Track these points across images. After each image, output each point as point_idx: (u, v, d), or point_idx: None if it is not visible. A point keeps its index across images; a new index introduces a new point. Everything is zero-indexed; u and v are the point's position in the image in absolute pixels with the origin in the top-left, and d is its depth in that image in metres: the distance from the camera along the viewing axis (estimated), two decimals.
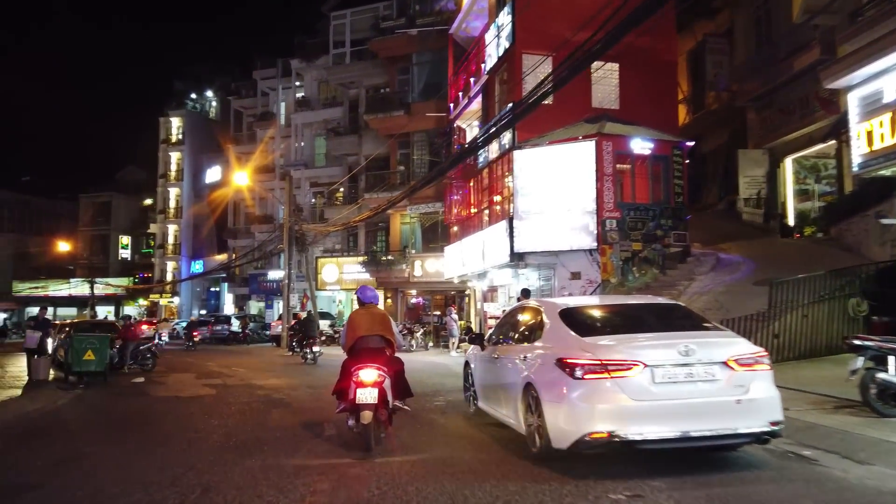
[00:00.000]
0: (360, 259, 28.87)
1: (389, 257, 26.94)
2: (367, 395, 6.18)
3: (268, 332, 31.55)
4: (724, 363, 5.12)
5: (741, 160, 19.02)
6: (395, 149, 28.50)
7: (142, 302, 55.69)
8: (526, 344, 6.45)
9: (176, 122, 53.08)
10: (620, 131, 16.53)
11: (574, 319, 5.91)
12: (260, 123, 40.02)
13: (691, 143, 17.88)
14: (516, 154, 16.99)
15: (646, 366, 5.02)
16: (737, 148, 19.53)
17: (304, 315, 27.22)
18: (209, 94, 55.14)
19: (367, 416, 6.18)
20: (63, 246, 55.67)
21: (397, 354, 7.00)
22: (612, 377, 5.01)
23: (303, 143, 36.35)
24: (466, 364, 8.63)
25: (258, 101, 42.25)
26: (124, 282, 54.87)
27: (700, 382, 5.08)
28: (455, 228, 23.71)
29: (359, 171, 29.50)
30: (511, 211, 17.17)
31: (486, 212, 19.98)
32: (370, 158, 28.06)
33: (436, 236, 27.24)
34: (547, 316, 6.21)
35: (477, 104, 21.40)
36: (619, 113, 17.59)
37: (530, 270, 18.03)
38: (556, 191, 16.45)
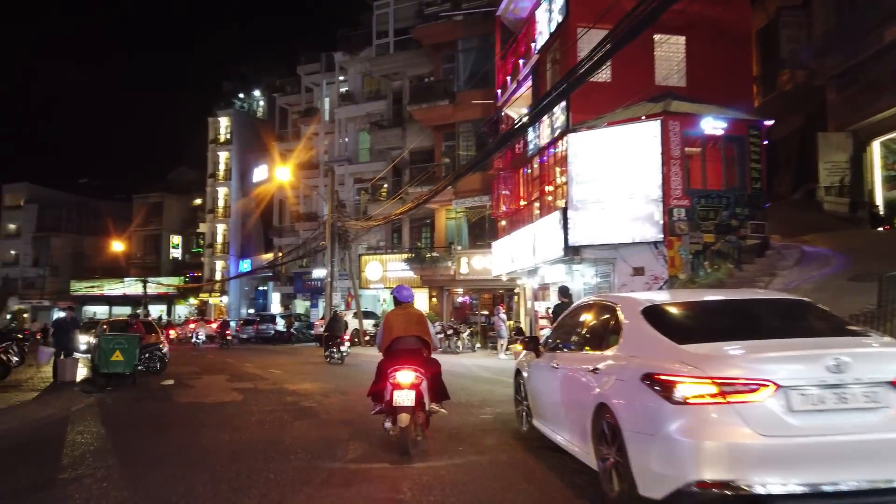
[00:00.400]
0: (405, 256, 27.71)
1: (434, 254, 25.69)
2: (404, 398, 6.04)
3: (311, 332, 30.77)
4: (894, 383, 3.59)
5: (821, 145, 16.94)
6: (439, 141, 27.24)
7: (192, 301, 56.22)
8: (596, 352, 5.01)
9: (224, 122, 53.29)
10: (689, 109, 14.79)
11: (664, 320, 4.44)
12: (304, 119, 39.45)
13: (770, 123, 15.93)
14: (571, 138, 15.44)
15: (778, 386, 3.53)
16: (813, 132, 17.45)
17: (346, 314, 26.31)
18: (256, 93, 55.20)
19: (404, 418, 6.01)
20: (117, 246, 56.75)
21: (433, 355, 6.82)
22: (728, 402, 3.53)
23: (346, 139, 35.51)
24: (518, 373, 7.23)
25: (302, 98, 41.72)
26: (175, 281, 55.49)
27: (859, 411, 3.56)
28: (503, 223, 22.28)
29: (403, 165, 28.39)
30: (565, 201, 15.64)
31: (537, 203, 18.48)
32: (414, 151, 26.93)
33: (483, 232, 25.86)
34: (625, 315, 4.75)
35: (527, 88, 19.89)
36: (685, 91, 15.83)
37: (586, 266, 16.45)
38: (616, 177, 14.84)
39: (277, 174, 31.09)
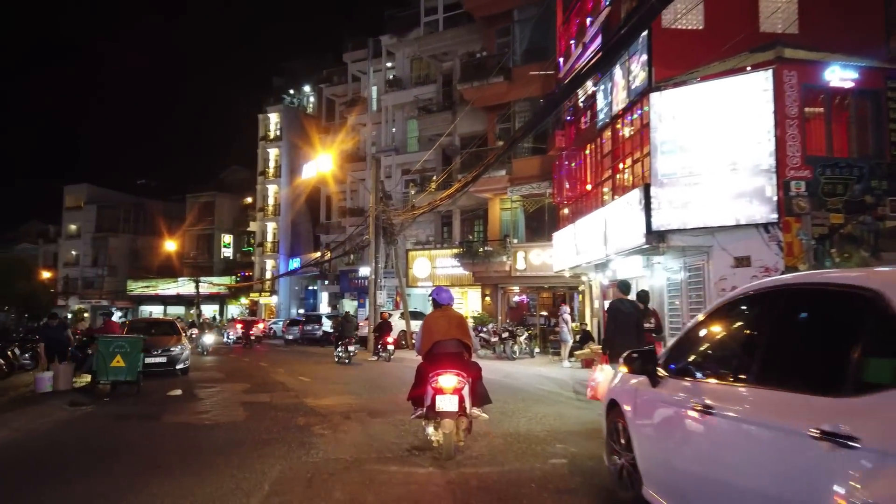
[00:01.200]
0: (454, 251, 25.20)
1: (487, 248, 23.08)
2: (447, 403, 5.91)
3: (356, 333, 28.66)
4: None
5: None
6: (492, 123, 24.64)
7: (243, 301, 55.46)
8: (816, 395, 2.36)
9: (274, 119, 52.25)
10: (807, 57, 11.70)
11: None
12: (350, 109, 37.57)
13: None
14: (654, 98, 12.56)
15: None
16: None
17: (393, 315, 24.04)
18: (306, 88, 53.96)
19: (448, 424, 5.87)
20: (170, 245, 56.65)
21: (473, 359, 6.59)
22: None
23: (394, 128, 33.34)
24: (613, 406, 4.59)
25: (349, 88, 39.90)
26: (226, 281, 54.83)
27: None
28: (565, 210, 19.48)
29: (453, 152, 25.89)
30: (647, 175, 12.77)
31: (609, 183, 15.62)
32: (465, 137, 24.41)
33: (541, 223, 23.09)
34: None
35: (594, 52, 17.02)
36: (798, 39, 12.66)
37: (671, 257, 13.53)
38: (713, 145, 11.89)
39: (321, 165, 29.08)
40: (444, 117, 28.00)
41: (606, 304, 17.01)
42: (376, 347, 21.47)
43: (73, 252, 65.22)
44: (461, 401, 5.92)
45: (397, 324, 25.81)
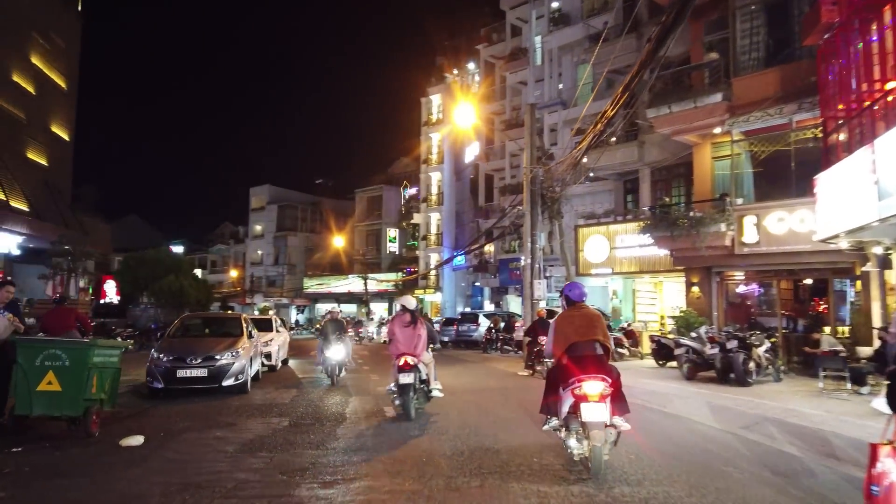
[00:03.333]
0: (642, 223, 17.79)
1: (694, 214, 15.41)
2: (595, 412, 5.17)
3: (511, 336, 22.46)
4: None
5: None
6: (697, 35, 16.90)
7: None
8: None
9: (436, 101, 48.10)
10: None
11: None
12: (510, 65, 31.42)
13: None
14: None
15: None
16: None
17: (555, 312, 17.46)
18: (471, 66, 49.04)
19: (597, 436, 5.12)
20: (340, 242, 55.26)
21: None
22: None
23: (560, 82, 26.57)
24: None
25: (508, 45, 33.78)
26: (392, 277, 51.82)
27: None
28: (842, 136, 11.45)
29: (640, 87, 18.44)
30: None
31: None
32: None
33: (782, 174, 14.87)
34: None
35: None
36: None
37: None
38: None
39: (459, 117, 23.08)
40: (625, 44, 20.59)
41: None
42: (529, 357, 15.18)
43: (259, 252, 67.41)
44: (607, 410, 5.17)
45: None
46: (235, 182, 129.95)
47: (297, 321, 59.52)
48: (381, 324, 40.69)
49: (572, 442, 5.39)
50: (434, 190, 48.15)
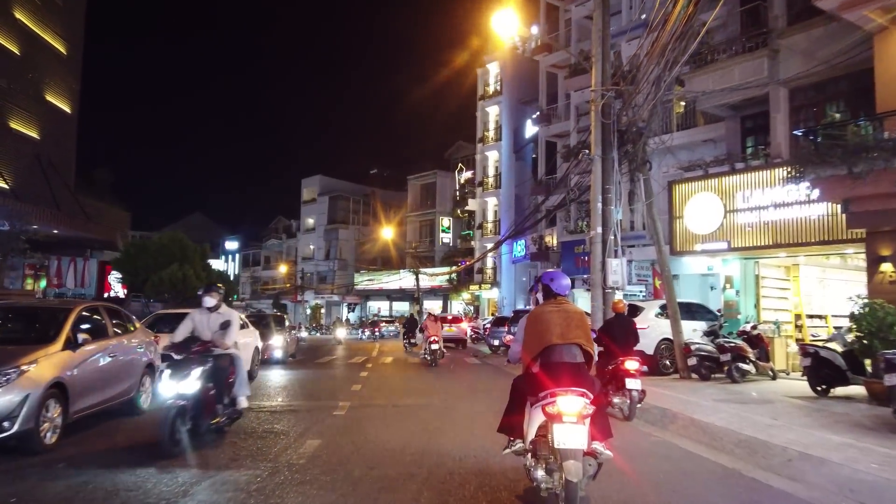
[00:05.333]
0: (792, 170, 11.17)
1: (891, 136, 8.86)
2: (572, 436, 3.95)
3: None
4: None
5: None
6: None
7: (465, 296, 46.36)
8: None
9: (493, 69, 42.30)
10: None
11: None
12: None
13: None
14: None
15: None
16: None
17: (648, 314, 11.41)
18: (534, 30, 42.87)
19: (573, 468, 3.88)
20: (386, 232, 50.35)
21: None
22: None
23: (642, 7, 20.19)
24: None
25: None
26: (444, 271, 46.34)
27: None
28: None
29: None
30: None
31: None
32: None
33: None
34: None
35: None
36: None
37: None
38: None
39: (499, 24, 16.95)
40: None
41: None
42: (602, 381, 9.14)
43: (311, 246, 63.66)
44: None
45: (652, 324, 13.24)
46: (291, 175, 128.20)
47: (347, 320, 55.14)
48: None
49: (540, 474, 4.21)
50: (491, 171, 42.35)
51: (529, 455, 4.39)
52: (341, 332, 36.44)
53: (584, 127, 24.29)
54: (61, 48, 28.03)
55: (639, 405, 8.51)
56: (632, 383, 8.34)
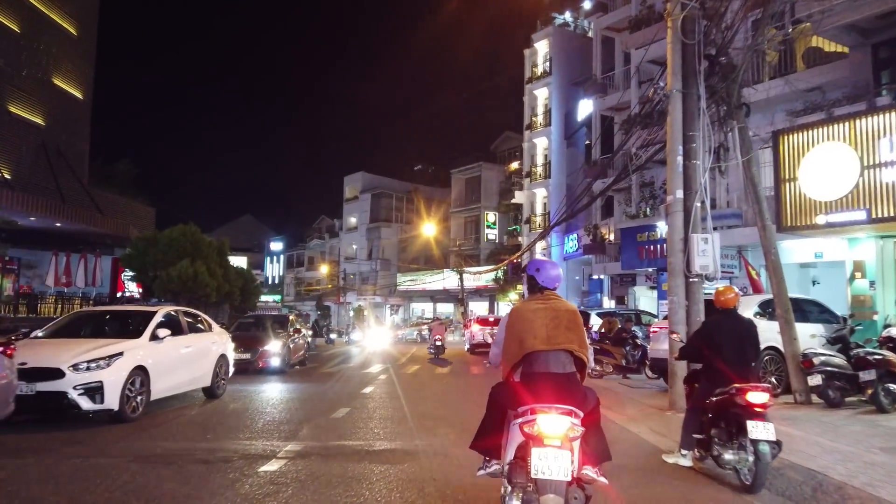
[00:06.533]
0: None
1: None
2: (553, 464, 3.25)
3: (635, 353, 12.67)
4: None
5: None
6: None
7: (513, 296, 42.75)
8: None
9: (542, 49, 38.76)
10: None
11: None
12: None
13: None
14: None
15: None
16: None
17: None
18: (586, 4, 39.05)
19: (552, 502, 3.24)
20: (428, 229, 47.32)
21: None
22: None
23: None
24: None
25: None
26: (487, 269, 42.89)
27: None
28: None
29: None
30: None
31: None
32: None
33: None
34: None
35: None
36: None
37: None
38: None
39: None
40: None
41: None
42: (695, 423, 5.56)
43: (353, 246, 61.36)
44: (574, 459, 3.28)
45: (766, 327, 9.62)
46: (335, 174, 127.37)
47: (395, 320, 52.45)
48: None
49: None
50: (539, 160, 38.72)
51: (506, 480, 3.57)
52: (357, 335, 34.01)
53: (646, 96, 20.53)
54: (71, 28, 26.07)
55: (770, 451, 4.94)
56: (758, 429, 4.81)
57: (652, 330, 11.00)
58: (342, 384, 12.71)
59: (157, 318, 8.56)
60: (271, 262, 74.46)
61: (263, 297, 62.29)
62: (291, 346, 15.55)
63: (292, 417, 8.44)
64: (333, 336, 40.83)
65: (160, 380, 8.18)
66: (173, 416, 8.40)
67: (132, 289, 27.61)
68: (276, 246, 74.45)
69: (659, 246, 17.18)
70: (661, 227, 17.25)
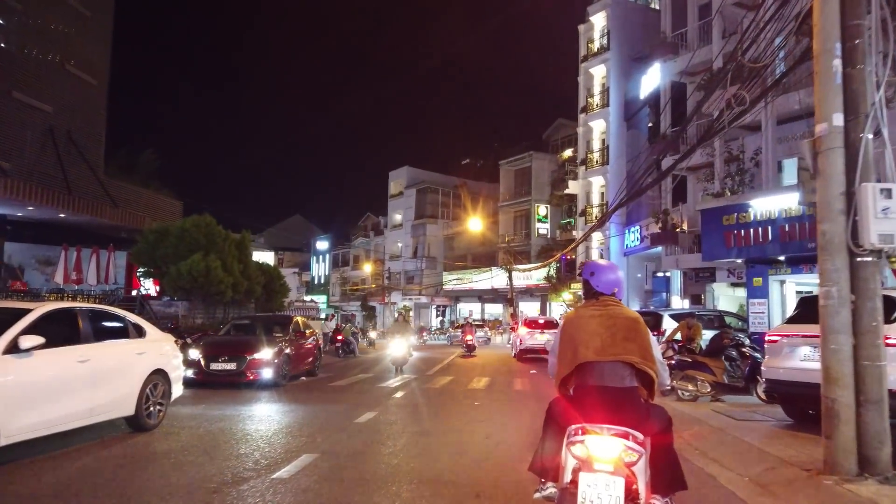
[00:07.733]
0: None
1: None
2: (604, 492, 2.84)
3: (734, 372, 9.17)
4: None
5: None
6: None
7: (567, 296, 39.14)
8: None
9: (599, 23, 35.16)
10: None
11: None
12: None
13: None
14: None
15: None
16: None
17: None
18: None
19: None
20: (474, 224, 44.16)
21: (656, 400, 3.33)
22: None
23: None
24: None
25: None
26: (536, 266, 39.40)
27: None
28: None
29: None
30: None
31: None
32: None
33: None
34: None
35: None
36: None
37: None
38: None
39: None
40: None
41: None
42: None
43: (399, 244, 58.89)
44: (629, 486, 2.83)
45: None
46: (381, 171, 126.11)
47: (440, 322, 49.74)
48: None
49: None
50: (596, 146, 35.12)
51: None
52: (372, 335, 32.21)
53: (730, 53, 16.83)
54: (82, 8, 24.18)
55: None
56: None
57: (769, 338, 7.56)
58: (341, 408, 9.74)
59: (25, 322, 5.73)
60: (317, 261, 72.80)
61: (308, 297, 60.60)
62: (292, 353, 12.71)
63: (237, 468, 5.49)
64: (373, 335, 38.39)
65: (19, 413, 5.38)
66: (42, 467, 5.58)
67: (148, 286, 25.64)
68: (322, 245, 72.64)
69: (752, 230, 13.52)
70: (757, 207, 13.56)
